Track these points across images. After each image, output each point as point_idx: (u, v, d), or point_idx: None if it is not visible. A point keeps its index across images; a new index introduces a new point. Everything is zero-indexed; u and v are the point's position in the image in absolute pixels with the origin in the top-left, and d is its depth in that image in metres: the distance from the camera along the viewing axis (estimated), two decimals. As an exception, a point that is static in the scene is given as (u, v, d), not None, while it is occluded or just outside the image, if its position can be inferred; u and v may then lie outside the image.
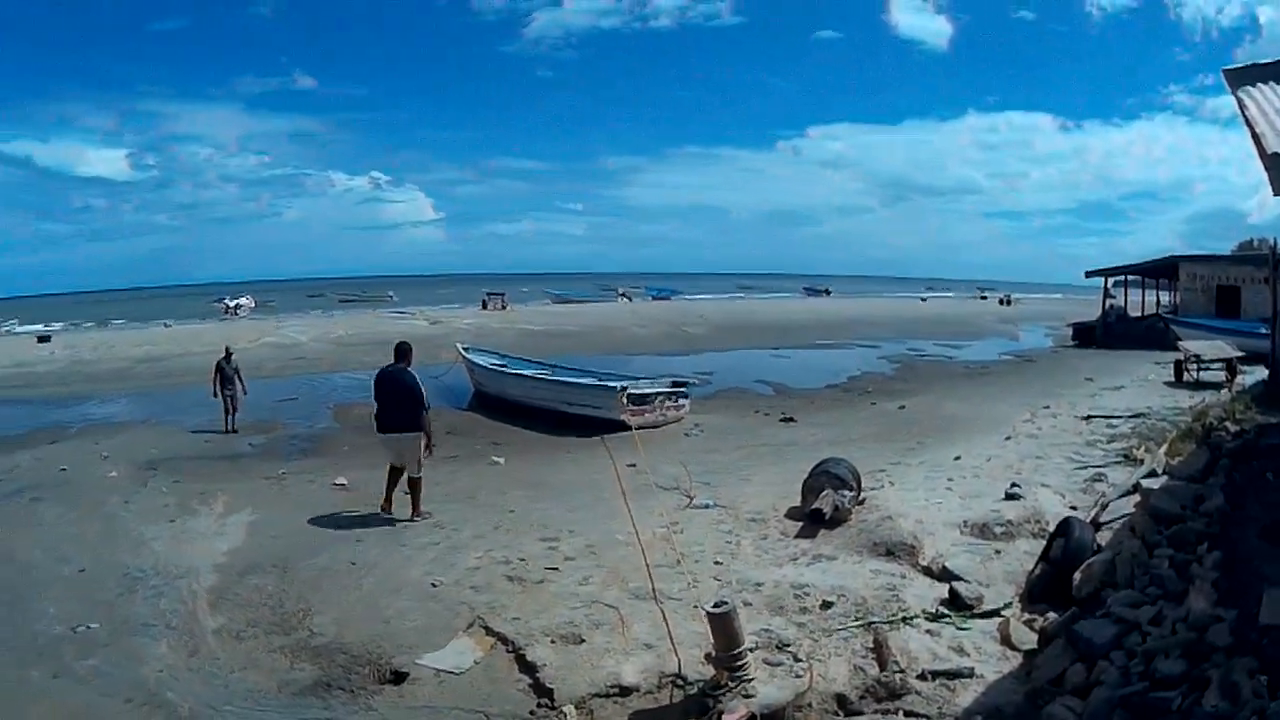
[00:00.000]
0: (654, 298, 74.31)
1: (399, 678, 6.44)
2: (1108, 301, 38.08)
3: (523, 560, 8.30)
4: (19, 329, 62.59)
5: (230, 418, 17.71)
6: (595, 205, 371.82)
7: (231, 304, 71.79)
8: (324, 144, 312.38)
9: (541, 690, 6.04)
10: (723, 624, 5.44)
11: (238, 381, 17.80)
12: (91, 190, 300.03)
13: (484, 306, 57.71)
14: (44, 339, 46.12)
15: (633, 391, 16.14)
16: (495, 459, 13.97)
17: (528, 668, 6.32)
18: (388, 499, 10.51)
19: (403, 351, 10.63)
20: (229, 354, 18.32)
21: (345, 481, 12.80)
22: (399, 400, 10.26)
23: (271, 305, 75.26)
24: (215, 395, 17.81)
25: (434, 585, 7.92)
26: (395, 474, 10.52)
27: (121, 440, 17.59)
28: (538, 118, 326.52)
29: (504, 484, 12.24)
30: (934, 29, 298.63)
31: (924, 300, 76.91)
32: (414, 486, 10.36)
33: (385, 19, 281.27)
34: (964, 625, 6.21)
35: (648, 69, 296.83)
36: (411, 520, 10.28)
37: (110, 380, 29.17)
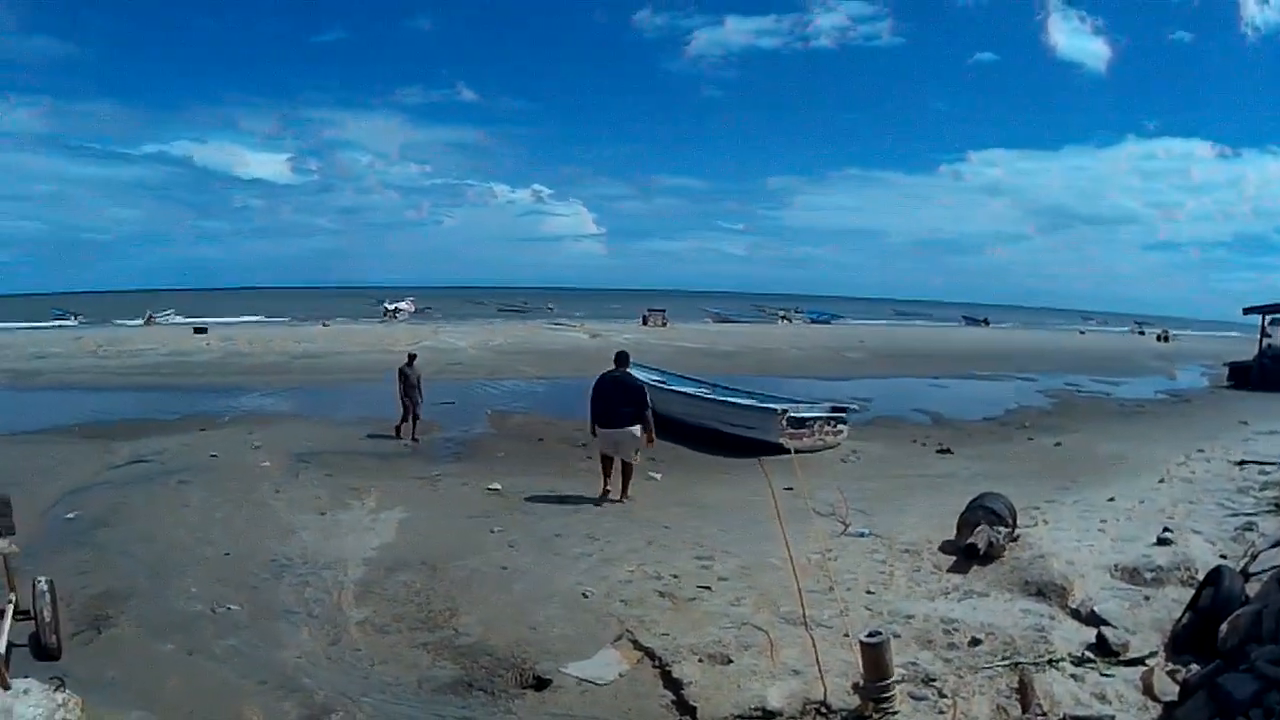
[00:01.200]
0: (813, 320, 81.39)
1: (541, 684, 7.14)
2: (1264, 340, 38.44)
3: (675, 577, 9.22)
4: (175, 319, 72.14)
5: (412, 426, 18.97)
6: (756, 225, 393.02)
7: (391, 307, 79.70)
8: (486, 156, 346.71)
9: (684, 708, 6.60)
10: (875, 655, 5.93)
11: (417, 389, 19.00)
12: (252, 191, 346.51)
13: (644, 322, 63.48)
14: (200, 330, 52.36)
15: (792, 414, 17.69)
16: (652, 474, 15.18)
17: (672, 684, 6.92)
18: (605, 484, 13.53)
19: (623, 358, 13.97)
20: (412, 359, 19.64)
21: (500, 486, 14.16)
22: (625, 399, 13.25)
23: (430, 310, 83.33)
24: (400, 404, 19.11)
25: (585, 595, 8.85)
26: (608, 464, 13.51)
27: (274, 431, 19.81)
28: (699, 136, 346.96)
29: (660, 500, 13.50)
30: (1092, 50, 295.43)
31: (1082, 334, 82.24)
32: (627, 472, 13.40)
33: (547, 35, 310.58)
34: (1108, 672, 6.72)
35: (808, 89, 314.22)
36: (622, 499, 13.21)
37: (265, 373, 32.99)
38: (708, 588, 8.85)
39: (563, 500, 13.40)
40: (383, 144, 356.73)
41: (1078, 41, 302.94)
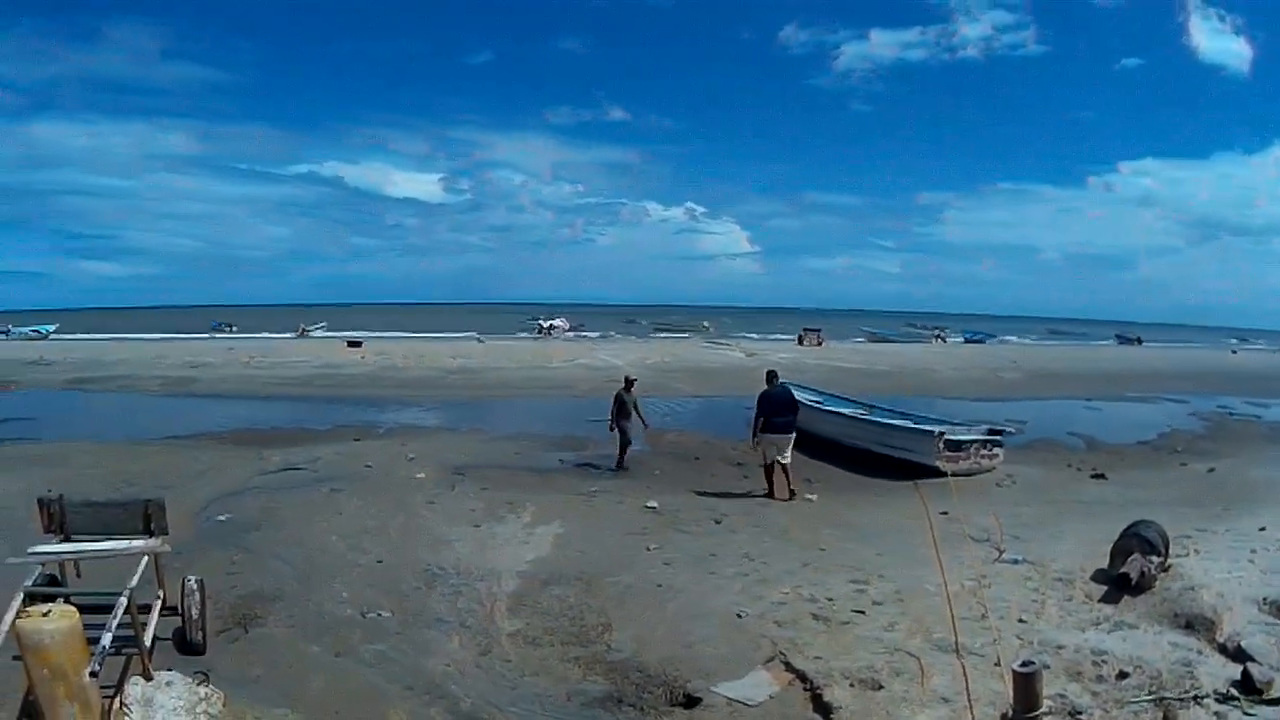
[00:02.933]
0: (967, 340, 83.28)
1: (691, 702, 7.54)
2: None
3: (830, 600, 9.72)
4: (327, 333, 76.52)
5: (620, 454, 19.06)
6: (909, 241, 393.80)
7: (546, 324, 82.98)
8: (638, 174, 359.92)
9: (833, 732, 6.87)
10: (1027, 685, 6.00)
11: (636, 414, 19.25)
12: (404, 210, 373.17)
13: (800, 341, 65.19)
14: (355, 344, 55.15)
15: (949, 437, 18.48)
16: (808, 496, 16.08)
17: (822, 708, 7.24)
18: (771, 488, 16.01)
19: (774, 375, 16.88)
20: (630, 384, 19.79)
21: (656, 504, 14.69)
22: (787, 409, 16.31)
23: (584, 328, 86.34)
24: (612, 429, 19.27)
25: (739, 616, 9.31)
26: (771, 470, 16.06)
27: (429, 444, 20.87)
28: (849, 152, 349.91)
29: (816, 522, 14.04)
30: (1234, 51, 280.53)
31: (1234, 352, 79.48)
32: (787, 472, 15.97)
33: (694, 53, 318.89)
34: (1251, 710, 6.92)
35: (957, 101, 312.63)
36: (789, 499, 15.56)
37: (419, 387, 34.82)
38: (862, 612, 9.29)
39: (719, 519, 13.79)
40: (534, 164, 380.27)
41: (1219, 42, 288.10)
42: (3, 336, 75.39)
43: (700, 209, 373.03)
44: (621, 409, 19.10)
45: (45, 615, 6.45)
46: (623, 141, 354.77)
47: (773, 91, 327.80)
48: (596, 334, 76.54)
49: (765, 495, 15.91)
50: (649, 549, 11.96)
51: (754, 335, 73.83)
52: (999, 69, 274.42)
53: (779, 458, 16.05)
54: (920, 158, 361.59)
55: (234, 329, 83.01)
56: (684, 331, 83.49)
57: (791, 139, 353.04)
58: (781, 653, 8.20)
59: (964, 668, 6.91)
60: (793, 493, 15.81)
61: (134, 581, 7.48)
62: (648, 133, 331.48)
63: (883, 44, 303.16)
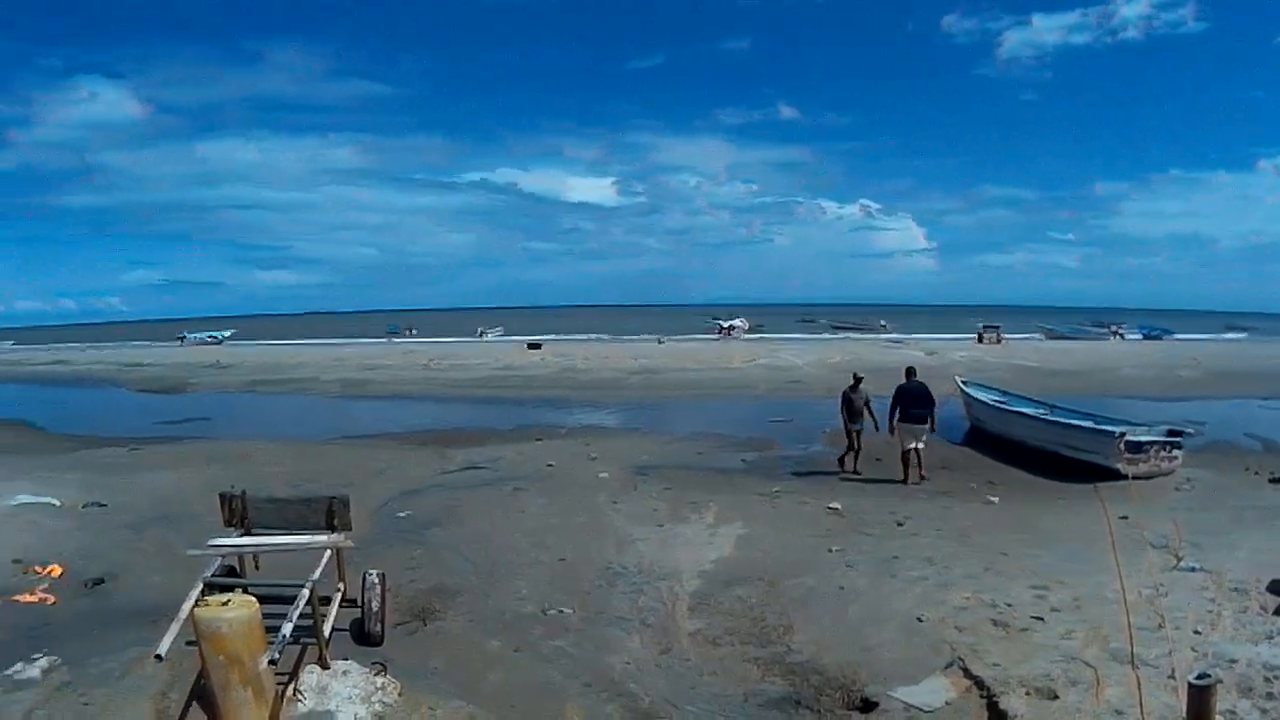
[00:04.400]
0: (1145, 336, 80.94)
1: (867, 706, 7.67)
2: None
3: (1009, 605, 9.79)
4: (505, 337, 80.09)
5: (854, 458, 18.72)
6: (1087, 234, 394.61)
7: (726, 324, 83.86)
8: (812, 172, 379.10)
9: (1008, 741, 6.85)
10: (1201, 699, 5.91)
11: (868, 413, 18.80)
12: (580, 214, 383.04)
13: (979, 339, 65.00)
14: (534, 346, 57.10)
15: (1130, 439, 18.37)
16: (990, 498, 16.08)
17: (998, 716, 7.27)
18: (906, 473, 17.44)
19: (913, 370, 18.57)
20: (858, 381, 19.13)
21: (839, 506, 14.76)
22: (920, 402, 17.70)
23: (764, 328, 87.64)
24: (846, 432, 18.84)
25: (919, 620, 9.47)
26: (907, 455, 17.49)
27: (611, 444, 21.47)
28: (1020, 142, 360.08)
29: (997, 525, 14.05)
30: None
31: None
32: (920, 456, 17.55)
33: (859, 47, 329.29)
34: None
35: (1122, 85, 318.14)
36: (919, 481, 17.15)
37: (600, 388, 35.83)
38: (1040, 618, 9.35)
39: (901, 522, 13.76)
40: (708, 165, 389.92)
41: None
42: (179, 342, 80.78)
43: (875, 206, 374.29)
44: (850, 409, 18.79)
45: (225, 604, 6.97)
46: (795, 140, 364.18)
47: (939, 83, 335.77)
48: (776, 334, 77.20)
49: (900, 481, 17.23)
50: (831, 551, 12.05)
51: (931, 334, 73.52)
52: (1161, 49, 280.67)
53: (916, 445, 17.53)
54: (1092, 146, 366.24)
55: (414, 333, 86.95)
56: (863, 331, 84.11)
57: (961, 132, 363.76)
58: (960, 658, 8.29)
59: (1138, 679, 6.91)
60: (923, 477, 17.46)
61: (316, 574, 8.00)
62: (818, 129, 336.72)
63: (1045, 29, 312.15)
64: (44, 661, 8.31)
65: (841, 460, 18.95)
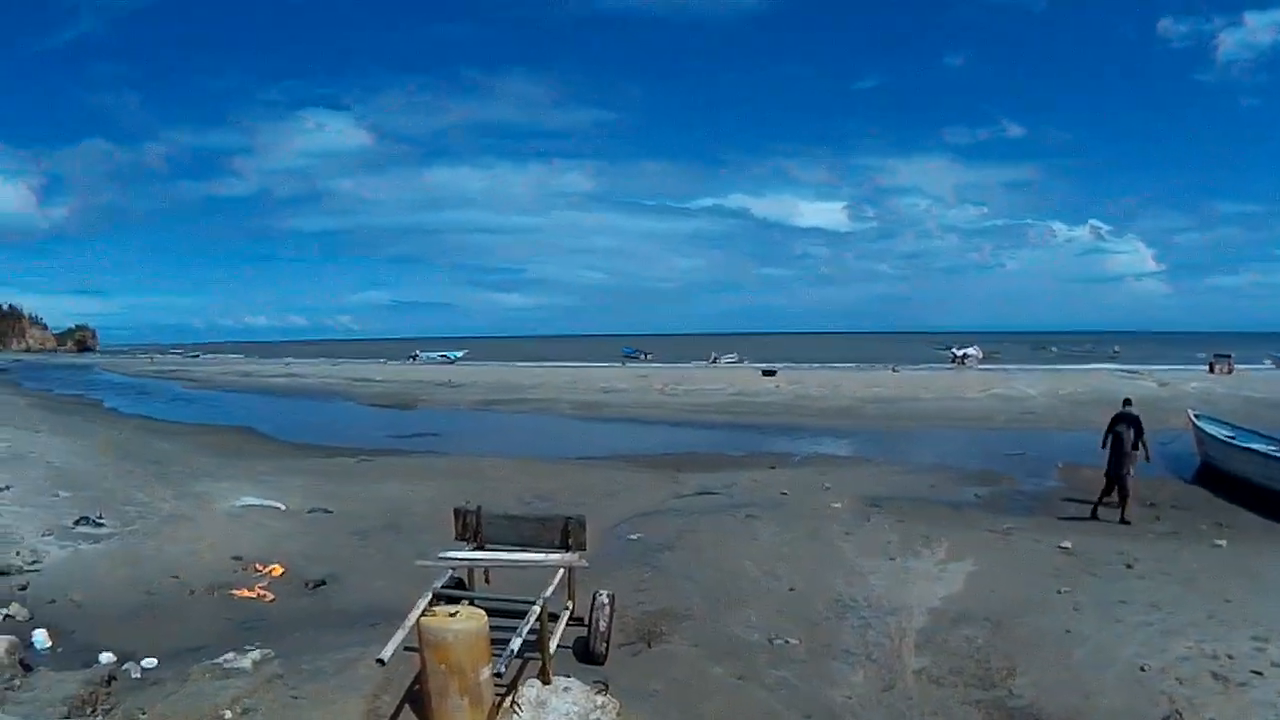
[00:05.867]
0: None
1: None
2: None
3: (1230, 657, 9.50)
4: (738, 362, 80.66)
5: (1121, 505, 16.77)
6: None
7: (959, 353, 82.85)
8: (1040, 192, 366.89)
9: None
10: None
11: (1141, 445, 16.99)
12: (811, 239, 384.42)
13: (1211, 369, 62.20)
14: (769, 373, 57.45)
15: None
16: (1217, 541, 15.19)
17: None
18: (1103, 498, 17.13)
19: (1129, 401, 18.16)
20: (1126, 406, 17.73)
21: (1070, 545, 14.28)
22: (1131, 428, 17.14)
23: (997, 356, 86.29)
24: (1114, 469, 17.05)
25: (1141, 669, 9.26)
26: (1111, 481, 17.02)
27: (845, 474, 21.38)
28: (1244, 152, 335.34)
29: (1224, 570, 13.39)
30: None
31: None
32: (1123, 492, 16.84)
33: (1076, 56, 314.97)
34: None
35: None
36: (1121, 523, 16.27)
37: (834, 417, 35.83)
38: (1259, 673, 9.05)
39: (1130, 564, 13.24)
40: (936, 186, 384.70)
41: None
42: (411, 360, 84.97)
43: (1105, 227, 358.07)
44: (1117, 443, 17.04)
45: (452, 615, 7.35)
46: (1022, 158, 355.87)
47: (1160, 91, 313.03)
48: (1009, 364, 75.63)
49: (1096, 504, 17.14)
50: (1059, 592, 11.75)
51: (1163, 364, 70.41)
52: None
53: (1129, 468, 17.05)
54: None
55: (648, 357, 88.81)
56: (1094, 360, 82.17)
57: (1185, 142, 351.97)
58: (1178, 711, 8.14)
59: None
60: (1125, 520, 16.57)
61: (548, 592, 8.30)
62: (1045, 147, 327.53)
63: (1258, 27, 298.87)
64: (256, 654, 8.98)
65: (1096, 507, 17.12)
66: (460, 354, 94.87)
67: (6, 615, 10.43)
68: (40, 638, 9.79)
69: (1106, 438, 17.20)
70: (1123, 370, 63.22)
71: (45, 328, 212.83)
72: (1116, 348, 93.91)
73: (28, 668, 8.57)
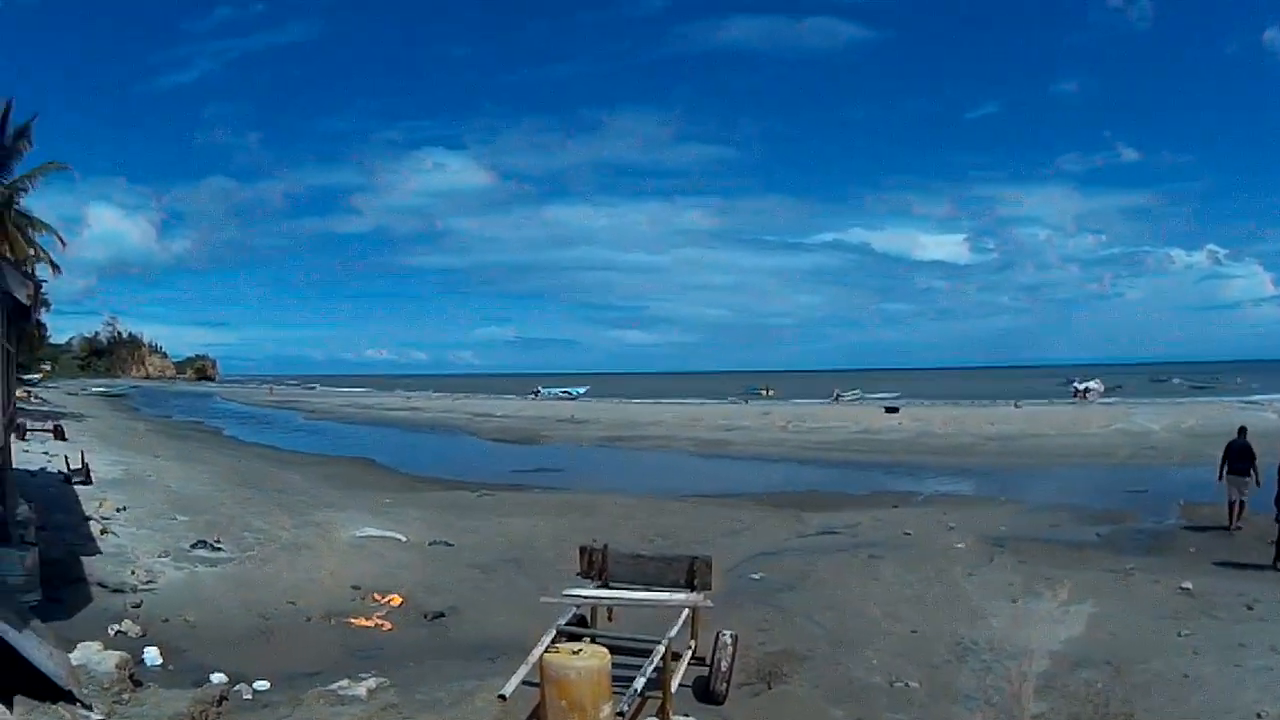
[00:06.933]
0: None
1: None
2: None
3: None
4: (862, 398, 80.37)
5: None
6: None
7: (1081, 387, 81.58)
8: (1158, 219, 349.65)
9: None
10: None
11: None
12: (932, 273, 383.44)
13: None
14: (892, 410, 56.75)
15: None
16: None
17: None
18: (1231, 521, 18.85)
19: (1244, 430, 19.83)
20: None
21: (1190, 585, 14.00)
22: (1243, 456, 18.98)
23: (1119, 389, 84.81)
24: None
25: (1258, 716, 9.07)
26: (1233, 506, 18.86)
27: (968, 513, 21.34)
28: None
29: None
30: None
31: None
32: (1242, 506, 18.86)
33: (1186, 77, 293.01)
34: None
35: None
36: (1237, 529, 18.58)
37: (958, 454, 35.56)
38: None
39: (1251, 605, 12.92)
40: (1055, 216, 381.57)
41: None
42: (533, 396, 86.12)
43: (1223, 251, 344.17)
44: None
45: (575, 653, 7.47)
46: (1138, 184, 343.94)
47: (1270, 105, 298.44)
48: (1131, 398, 74.01)
49: (1224, 527, 18.75)
50: (1180, 635, 11.56)
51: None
52: None
53: (1240, 496, 18.84)
54: None
55: (770, 393, 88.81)
56: (1216, 391, 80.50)
57: None
58: None
59: None
60: (1238, 528, 18.60)
61: (673, 631, 8.53)
62: (1161, 171, 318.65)
63: None
64: (371, 682, 9.29)
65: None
66: (583, 390, 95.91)
67: (119, 631, 10.78)
68: (152, 655, 10.11)
69: (1221, 469, 19.04)
70: (1243, 402, 61.60)
71: (165, 355, 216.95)
72: (1239, 379, 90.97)
73: (137, 683, 8.81)
